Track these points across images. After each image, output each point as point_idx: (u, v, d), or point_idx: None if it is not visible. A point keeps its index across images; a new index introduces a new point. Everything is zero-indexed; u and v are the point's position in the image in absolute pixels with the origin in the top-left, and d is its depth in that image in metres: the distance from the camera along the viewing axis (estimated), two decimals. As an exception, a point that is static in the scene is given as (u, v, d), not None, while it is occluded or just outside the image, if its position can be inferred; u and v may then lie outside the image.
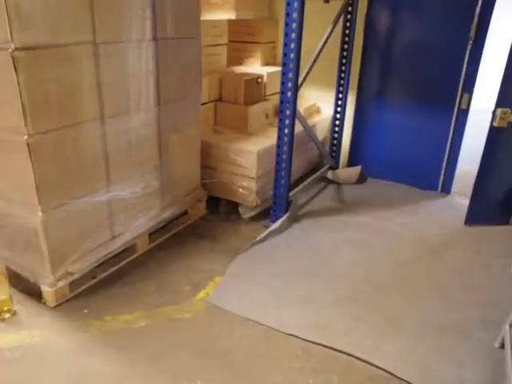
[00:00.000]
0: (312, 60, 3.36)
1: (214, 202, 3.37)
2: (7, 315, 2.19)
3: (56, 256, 2.17)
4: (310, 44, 3.27)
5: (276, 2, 4.04)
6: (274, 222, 3.15)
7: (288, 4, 2.72)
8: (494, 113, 2.89)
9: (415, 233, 3.17)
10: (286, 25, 2.77)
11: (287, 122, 2.97)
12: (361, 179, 4.05)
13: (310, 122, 3.71)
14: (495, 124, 2.89)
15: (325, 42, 3.42)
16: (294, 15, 2.72)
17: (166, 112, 2.66)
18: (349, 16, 3.63)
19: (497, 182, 3.18)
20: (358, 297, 2.46)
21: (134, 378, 1.90)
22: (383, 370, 1.97)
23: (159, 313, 2.28)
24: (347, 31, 3.68)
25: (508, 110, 2.83)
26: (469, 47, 3.39)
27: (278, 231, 3.07)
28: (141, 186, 2.59)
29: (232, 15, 3.49)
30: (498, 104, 2.87)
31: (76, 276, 2.30)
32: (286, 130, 3.00)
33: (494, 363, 2.03)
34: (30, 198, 2.04)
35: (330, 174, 4.04)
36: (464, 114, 3.58)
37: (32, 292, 2.33)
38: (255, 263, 2.73)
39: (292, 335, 2.16)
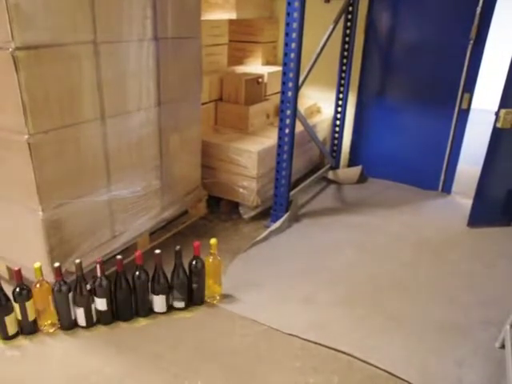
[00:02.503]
0: (313, 60, 3.36)
1: (214, 202, 3.38)
2: (218, 298, 2.37)
3: (56, 255, 2.17)
4: (311, 44, 3.26)
5: (277, 2, 4.04)
6: (274, 221, 3.15)
7: (289, 4, 2.72)
8: (497, 114, 2.88)
9: (416, 233, 3.17)
10: (287, 24, 2.76)
11: (288, 121, 2.97)
12: (361, 179, 4.05)
13: (311, 121, 3.71)
14: (499, 125, 2.88)
15: (325, 42, 3.41)
16: (295, 15, 2.71)
17: (167, 112, 2.66)
18: (349, 16, 3.63)
19: (500, 183, 3.17)
20: (359, 297, 2.46)
21: (134, 378, 1.90)
22: (383, 370, 1.97)
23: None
24: (348, 31, 3.68)
25: (511, 110, 2.82)
26: (469, 47, 3.38)
27: (279, 231, 3.07)
28: (141, 186, 2.59)
29: (233, 15, 3.49)
30: (502, 105, 2.86)
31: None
32: (287, 130, 2.99)
33: (494, 363, 2.02)
34: (30, 197, 2.04)
35: (330, 174, 4.04)
36: (464, 113, 3.58)
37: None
38: (255, 263, 2.73)
39: (292, 335, 2.16)
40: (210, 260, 2.29)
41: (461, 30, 3.38)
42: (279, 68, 3.38)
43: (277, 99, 3.30)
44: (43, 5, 1.84)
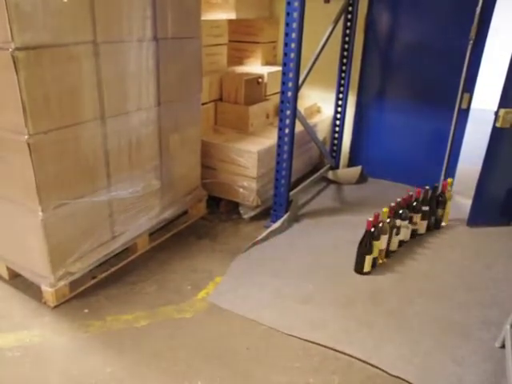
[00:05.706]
0: (312, 60, 3.36)
1: (214, 202, 3.38)
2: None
3: (56, 256, 2.17)
4: (311, 44, 3.26)
5: (276, 2, 4.04)
6: (274, 221, 3.15)
7: (288, 4, 2.72)
8: (496, 113, 2.87)
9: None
10: (287, 24, 2.76)
11: (288, 121, 2.97)
12: (361, 179, 4.05)
13: (311, 121, 3.71)
14: (498, 125, 2.88)
15: (325, 42, 3.41)
16: (295, 15, 2.71)
17: (167, 112, 2.66)
18: (349, 16, 3.63)
19: (499, 183, 3.17)
20: (359, 297, 2.46)
21: (135, 377, 1.90)
22: (383, 370, 1.97)
23: (160, 312, 2.28)
24: (348, 31, 3.68)
25: (511, 110, 2.81)
26: (469, 47, 3.38)
27: (279, 231, 3.07)
28: (141, 186, 2.59)
29: (232, 15, 3.49)
30: (501, 104, 2.86)
31: (76, 276, 2.30)
32: (287, 130, 2.99)
33: (494, 363, 2.03)
34: (30, 197, 2.04)
35: (330, 174, 4.04)
36: (464, 113, 3.57)
37: (32, 292, 2.33)
38: (255, 263, 2.73)
39: (292, 335, 2.16)
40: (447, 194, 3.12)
41: (460, 30, 3.37)
42: (279, 68, 3.38)
43: (277, 99, 3.30)
44: (43, 5, 1.84)
